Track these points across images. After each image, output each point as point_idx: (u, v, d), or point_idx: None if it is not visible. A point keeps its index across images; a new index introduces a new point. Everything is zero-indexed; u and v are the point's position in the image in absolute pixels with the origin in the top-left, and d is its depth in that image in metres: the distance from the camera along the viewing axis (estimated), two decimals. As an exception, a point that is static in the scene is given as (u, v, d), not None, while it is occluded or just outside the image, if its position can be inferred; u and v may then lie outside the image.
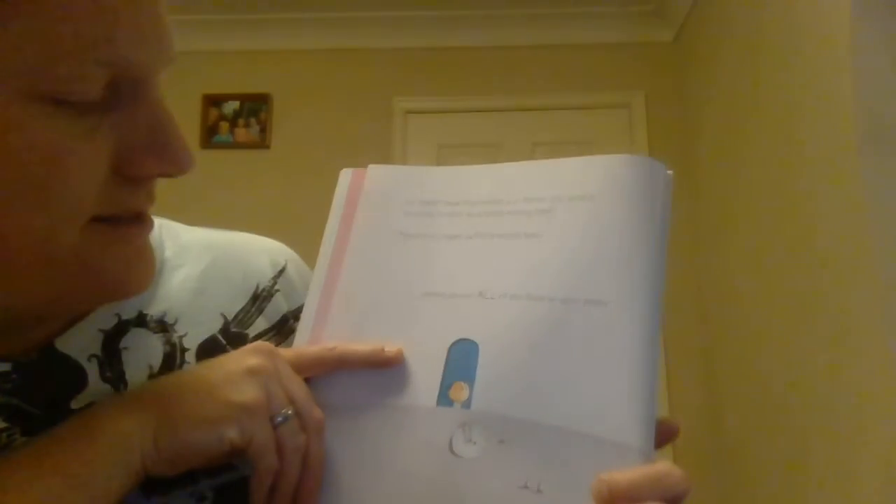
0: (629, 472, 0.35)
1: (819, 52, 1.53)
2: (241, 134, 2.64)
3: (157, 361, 0.44)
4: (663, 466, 0.36)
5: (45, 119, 0.33)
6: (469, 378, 0.40)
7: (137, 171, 0.37)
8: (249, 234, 0.55)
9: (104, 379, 0.41)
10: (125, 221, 0.39)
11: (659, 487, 0.35)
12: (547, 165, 0.45)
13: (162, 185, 0.41)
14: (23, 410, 0.39)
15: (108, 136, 0.36)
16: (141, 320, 0.44)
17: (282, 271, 0.52)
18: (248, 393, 0.38)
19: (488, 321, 0.42)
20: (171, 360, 0.44)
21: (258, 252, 0.53)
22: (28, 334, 0.41)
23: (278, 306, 0.51)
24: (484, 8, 2.64)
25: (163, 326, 0.45)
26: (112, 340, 0.43)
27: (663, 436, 0.39)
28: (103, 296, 0.41)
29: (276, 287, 0.51)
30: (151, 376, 0.43)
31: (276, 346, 0.45)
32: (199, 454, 0.37)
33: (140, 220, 0.40)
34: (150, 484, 0.41)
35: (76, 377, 0.41)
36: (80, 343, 0.42)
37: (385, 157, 2.53)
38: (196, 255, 0.49)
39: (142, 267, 0.41)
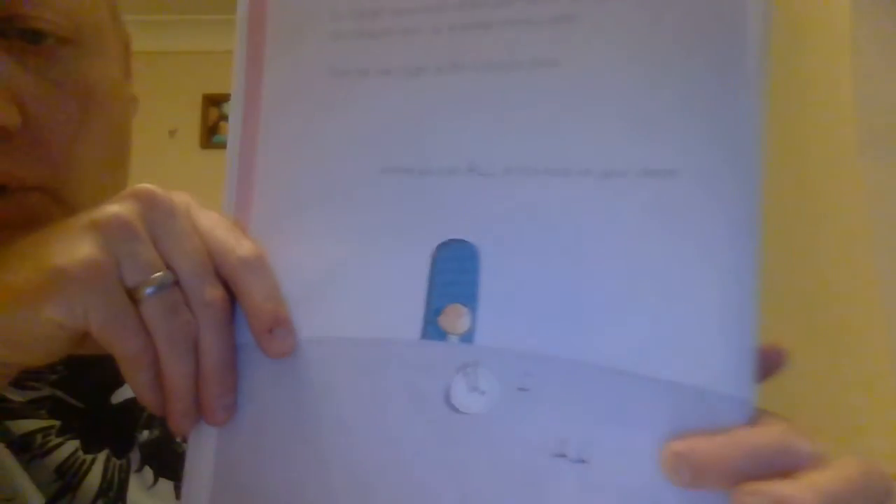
0: (721, 439, 0.23)
1: (819, 52, 1.53)
2: (241, 134, 2.64)
3: None
4: (777, 428, 0.24)
5: None
6: (468, 298, 0.28)
7: None
8: None
9: None
10: None
11: (771, 459, 0.23)
12: None
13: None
14: (65, 403, 0.39)
15: None
16: None
17: None
18: (77, 253, 0.26)
19: (487, 211, 0.28)
20: None
21: None
22: None
23: None
24: (484, 8, 2.63)
25: None
26: None
27: (766, 366, 0.28)
28: None
29: None
30: None
31: None
32: (31, 339, 0.27)
33: None
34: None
35: (116, 372, 0.41)
36: None
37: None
38: None
39: None
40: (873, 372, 1.33)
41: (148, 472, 0.41)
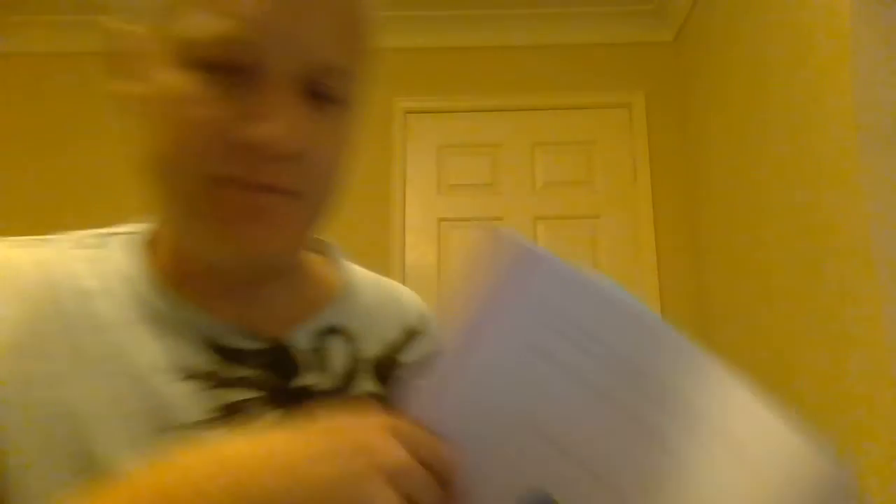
0: None
1: (819, 52, 1.53)
2: (241, 133, 2.64)
3: (343, 361, 0.54)
4: None
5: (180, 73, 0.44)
6: None
7: (239, 136, 0.43)
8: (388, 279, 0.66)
9: (313, 367, 0.52)
10: (243, 187, 0.44)
11: None
12: (746, 401, 0.37)
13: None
14: (263, 381, 0.49)
15: (228, 100, 0.43)
16: (337, 329, 0.55)
17: (425, 315, 0.63)
18: None
19: (572, 487, 0.37)
20: (353, 362, 0.54)
21: (405, 293, 0.65)
22: (269, 330, 0.52)
23: (425, 345, 0.60)
24: (484, 8, 2.64)
25: (349, 337, 0.55)
26: (320, 340, 0.54)
27: None
28: (224, 248, 0.46)
29: (424, 327, 0.61)
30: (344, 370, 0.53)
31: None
32: None
33: (266, 190, 0.45)
34: None
35: (295, 364, 0.51)
36: (300, 340, 0.53)
37: (385, 157, 2.53)
38: (365, 285, 0.61)
39: (250, 231, 0.45)
40: (874, 370, 1.33)
41: None
